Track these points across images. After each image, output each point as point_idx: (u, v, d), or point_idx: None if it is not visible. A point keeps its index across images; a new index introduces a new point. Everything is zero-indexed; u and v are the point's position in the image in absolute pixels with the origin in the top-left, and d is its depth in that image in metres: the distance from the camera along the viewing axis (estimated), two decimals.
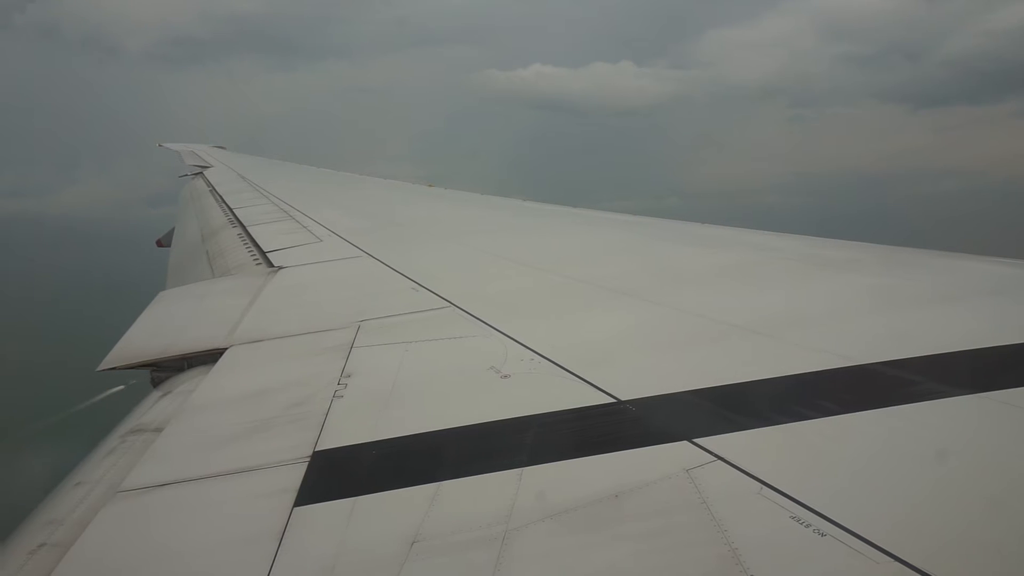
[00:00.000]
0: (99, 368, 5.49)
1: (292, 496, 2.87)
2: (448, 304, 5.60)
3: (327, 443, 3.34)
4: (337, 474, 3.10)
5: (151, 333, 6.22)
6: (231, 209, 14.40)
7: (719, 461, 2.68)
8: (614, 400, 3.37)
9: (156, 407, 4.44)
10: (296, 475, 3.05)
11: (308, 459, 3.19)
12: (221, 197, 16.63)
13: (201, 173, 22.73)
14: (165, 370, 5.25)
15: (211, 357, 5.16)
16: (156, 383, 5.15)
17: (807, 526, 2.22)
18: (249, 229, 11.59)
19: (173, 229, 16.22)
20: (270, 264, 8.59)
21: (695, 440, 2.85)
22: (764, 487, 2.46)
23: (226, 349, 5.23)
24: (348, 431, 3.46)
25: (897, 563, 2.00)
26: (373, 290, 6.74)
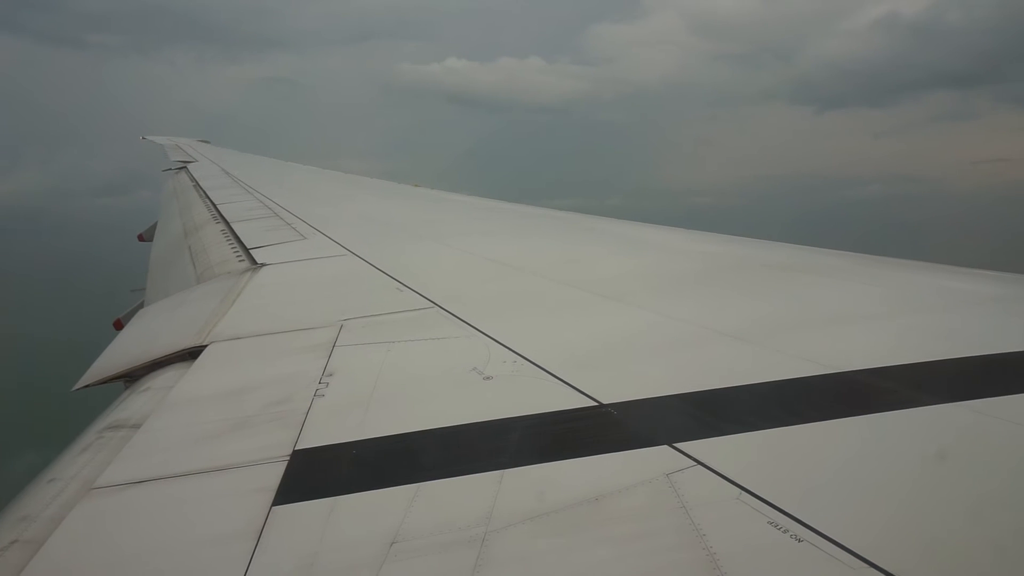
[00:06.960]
0: (75, 387, 5.40)
1: (271, 495, 2.84)
2: (432, 304, 5.58)
3: (307, 442, 3.32)
4: (317, 473, 3.08)
5: (130, 346, 6.11)
6: (215, 205, 14.27)
7: (699, 466, 2.69)
8: (596, 403, 3.38)
9: (134, 403, 4.39)
10: (275, 474, 3.03)
11: (287, 458, 3.16)
12: (205, 192, 16.48)
13: (185, 168, 22.54)
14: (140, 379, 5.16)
15: (190, 357, 5.11)
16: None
17: (784, 531, 2.24)
18: (233, 225, 11.49)
19: (155, 224, 16.07)
20: (253, 261, 8.52)
21: (675, 445, 2.86)
22: (743, 492, 2.48)
23: (206, 347, 5.18)
24: (328, 430, 3.44)
25: (873, 569, 2.02)
26: (357, 289, 6.71)
